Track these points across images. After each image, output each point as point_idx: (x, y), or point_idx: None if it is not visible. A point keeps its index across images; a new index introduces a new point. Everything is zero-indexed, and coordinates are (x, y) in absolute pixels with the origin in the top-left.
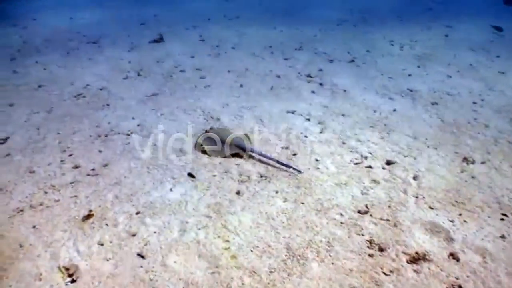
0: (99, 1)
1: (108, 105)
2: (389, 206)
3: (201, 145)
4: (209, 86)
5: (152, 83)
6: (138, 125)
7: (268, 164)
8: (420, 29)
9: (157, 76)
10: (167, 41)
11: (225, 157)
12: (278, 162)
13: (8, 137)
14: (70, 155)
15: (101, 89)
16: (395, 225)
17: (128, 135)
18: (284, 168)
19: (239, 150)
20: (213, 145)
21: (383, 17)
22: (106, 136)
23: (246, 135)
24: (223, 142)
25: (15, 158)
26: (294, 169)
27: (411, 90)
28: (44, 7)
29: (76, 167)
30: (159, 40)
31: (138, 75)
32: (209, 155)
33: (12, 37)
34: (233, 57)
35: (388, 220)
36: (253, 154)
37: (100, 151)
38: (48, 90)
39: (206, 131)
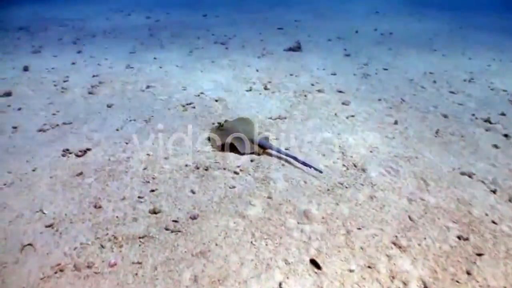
0: (237, 1)
1: None
2: None
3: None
4: (353, 116)
5: (281, 101)
6: (252, 161)
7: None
8: None
9: (288, 93)
10: (305, 51)
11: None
12: (297, 160)
13: (89, 149)
14: (152, 191)
15: (216, 100)
16: None
17: (237, 173)
18: (304, 167)
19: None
20: (224, 138)
21: None
22: (206, 169)
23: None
24: (239, 138)
25: (85, 181)
26: (314, 169)
27: None
28: (180, 2)
29: (155, 212)
30: (296, 48)
31: (265, 88)
32: (212, 145)
33: (142, 29)
34: (385, 80)
35: None
36: (271, 151)
37: (192, 192)
38: (155, 93)
39: (220, 124)
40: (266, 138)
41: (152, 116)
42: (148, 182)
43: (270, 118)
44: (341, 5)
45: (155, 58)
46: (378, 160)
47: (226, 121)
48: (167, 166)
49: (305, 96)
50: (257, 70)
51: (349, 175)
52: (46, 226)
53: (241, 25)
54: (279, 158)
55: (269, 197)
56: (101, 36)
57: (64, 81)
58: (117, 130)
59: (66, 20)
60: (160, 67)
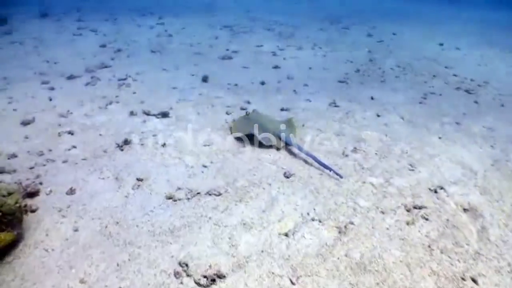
0: (488, 30)
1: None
2: None
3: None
4: None
5: None
6: None
7: None
8: None
9: None
10: None
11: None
12: (318, 161)
13: (222, 277)
14: None
15: (465, 210)
16: None
17: None
18: (325, 170)
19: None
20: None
21: None
22: None
23: (290, 122)
24: (263, 129)
25: None
26: (335, 172)
27: None
28: (412, 23)
29: None
30: None
31: None
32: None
33: (360, 51)
34: None
35: None
36: (292, 148)
37: None
38: (365, 167)
39: (247, 113)
40: (290, 135)
41: (352, 224)
42: None
43: None
44: None
45: (372, 98)
46: None
47: (254, 110)
48: None
49: None
50: None
51: None
52: None
53: (493, 65)
54: None
55: None
56: (309, 50)
57: (242, 109)
58: (286, 235)
59: (275, 23)
60: (378, 116)
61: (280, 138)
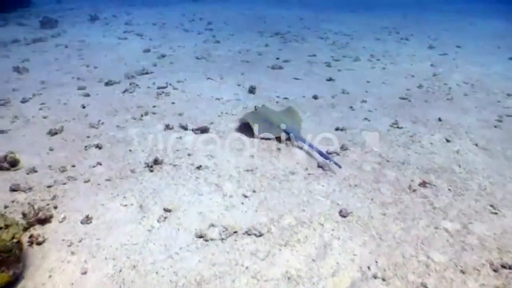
0: None
1: None
2: None
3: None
4: None
5: None
6: None
7: None
8: None
9: None
10: None
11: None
12: (319, 152)
13: None
14: None
15: None
16: None
17: None
18: (324, 160)
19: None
20: (257, 122)
21: None
22: None
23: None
24: (268, 121)
25: None
26: (334, 163)
27: None
28: (471, 36)
29: None
30: None
31: None
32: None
33: (423, 63)
34: None
35: None
36: (295, 142)
37: None
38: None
39: (256, 108)
40: (295, 129)
41: (425, 287)
42: None
43: None
44: None
45: (440, 120)
46: None
47: (263, 105)
48: None
49: None
50: None
51: None
52: None
53: None
54: None
55: None
56: (366, 62)
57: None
58: None
59: (328, 31)
60: (448, 141)
61: (283, 131)
